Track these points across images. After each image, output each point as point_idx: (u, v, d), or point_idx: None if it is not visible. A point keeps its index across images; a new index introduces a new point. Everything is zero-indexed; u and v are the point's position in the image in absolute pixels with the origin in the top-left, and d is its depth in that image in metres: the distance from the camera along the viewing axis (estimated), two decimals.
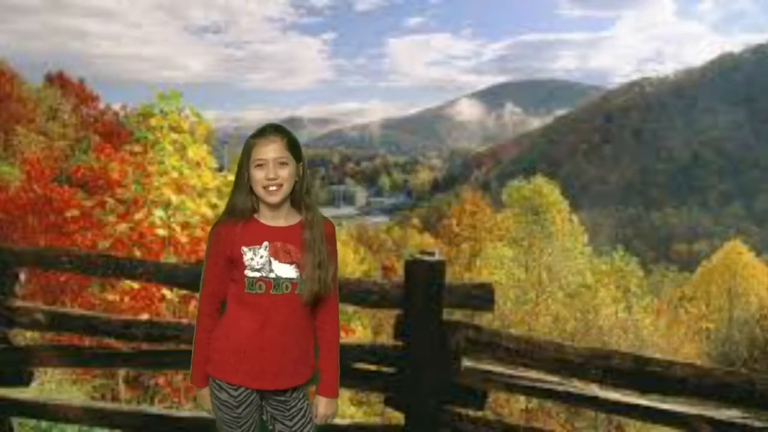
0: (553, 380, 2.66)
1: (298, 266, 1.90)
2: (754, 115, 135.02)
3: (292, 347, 1.94)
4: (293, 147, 1.90)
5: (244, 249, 1.88)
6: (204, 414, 3.37)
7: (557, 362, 2.58)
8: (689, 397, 2.45)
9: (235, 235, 1.89)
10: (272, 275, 1.89)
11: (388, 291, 2.78)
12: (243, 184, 1.90)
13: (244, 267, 1.88)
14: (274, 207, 1.91)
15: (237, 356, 1.91)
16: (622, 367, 2.48)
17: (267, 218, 1.93)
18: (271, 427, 2.06)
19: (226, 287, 1.96)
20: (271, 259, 1.89)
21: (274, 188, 1.87)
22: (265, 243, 1.89)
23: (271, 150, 1.87)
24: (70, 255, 3.12)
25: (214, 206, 7.75)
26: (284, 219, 1.94)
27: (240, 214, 1.91)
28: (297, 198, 1.94)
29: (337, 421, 2.98)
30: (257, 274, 1.88)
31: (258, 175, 1.87)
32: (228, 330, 1.93)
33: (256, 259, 1.88)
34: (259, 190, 1.88)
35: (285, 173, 1.87)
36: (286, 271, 1.90)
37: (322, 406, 2.04)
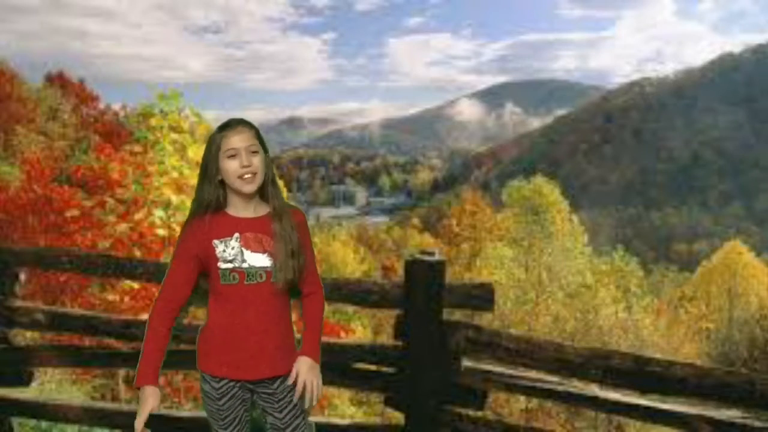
0: (553, 380, 2.66)
1: (271, 255, 1.92)
2: (754, 115, 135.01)
3: (270, 335, 1.95)
4: (260, 137, 1.94)
5: (216, 242, 1.90)
6: (204, 414, 3.37)
7: (557, 362, 2.58)
8: (689, 397, 2.44)
9: (205, 230, 1.90)
10: (245, 265, 1.90)
11: (388, 291, 2.78)
12: (211, 176, 1.90)
13: (217, 260, 1.90)
14: (246, 197, 1.92)
15: (218, 348, 1.94)
16: (622, 367, 2.48)
17: (236, 210, 1.94)
18: (264, 420, 2.08)
19: (184, 293, 1.96)
20: (243, 249, 1.90)
21: (249, 176, 1.88)
22: (236, 234, 1.91)
23: (241, 139, 1.89)
24: (70, 255, 3.12)
25: None
26: (253, 210, 1.96)
27: (207, 207, 1.91)
28: (264, 189, 1.96)
29: (337, 421, 2.98)
30: (230, 265, 1.90)
31: (231, 166, 1.87)
32: (209, 322, 1.97)
33: (227, 250, 1.90)
34: (233, 181, 1.89)
35: (257, 161, 1.89)
36: (259, 260, 1.91)
37: (303, 368, 1.95)
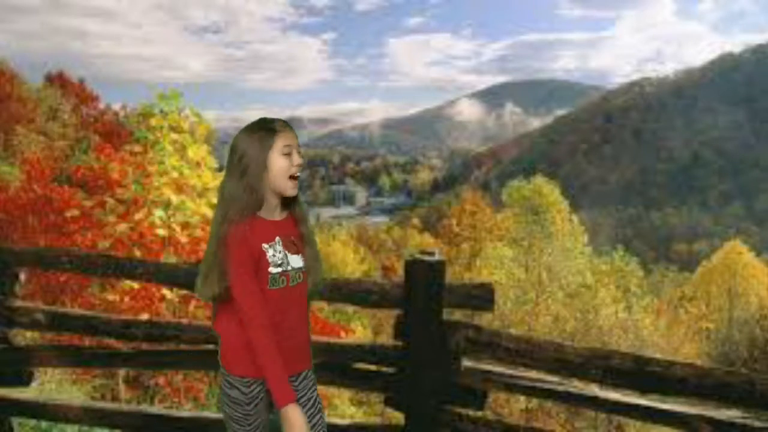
0: (553, 380, 2.66)
1: (303, 256, 1.95)
2: (754, 115, 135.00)
3: (304, 332, 2.01)
4: None
5: (265, 246, 1.87)
6: (204, 414, 3.37)
7: (557, 362, 2.58)
8: (689, 397, 2.44)
9: (254, 235, 1.85)
10: (289, 267, 1.91)
11: (388, 291, 2.78)
12: (258, 175, 1.81)
13: (269, 264, 1.86)
14: (278, 200, 1.91)
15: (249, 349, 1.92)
16: (622, 367, 2.48)
17: (270, 213, 1.91)
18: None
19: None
20: (285, 252, 1.91)
21: (298, 176, 1.88)
22: (277, 237, 1.90)
23: (294, 137, 1.87)
24: (70, 255, 3.12)
25: (214, 206, 7.74)
26: (279, 213, 1.94)
27: (252, 211, 1.85)
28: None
29: (337, 421, 2.98)
30: (279, 269, 1.89)
31: (284, 163, 1.83)
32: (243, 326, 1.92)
33: (276, 254, 1.89)
34: (282, 181, 1.85)
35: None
36: (297, 261, 1.94)
37: None
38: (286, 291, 1.91)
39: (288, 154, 1.84)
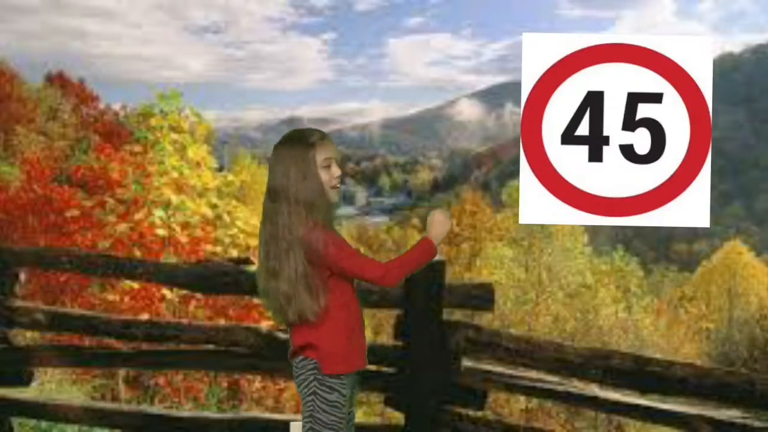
0: (553, 380, 2.66)
1: None
2: (754, 115, 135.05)
3: (363, 322, 2.08)
4: None
5: None
6: (204, 414, 3.37)
7: (557, 362, 2.58)
8: (689, 397, 2.45)
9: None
10: None
11: (388, 291, 2.78)
12: (315, 189, 1.88)
13: None
14: None
15: (347, 345, 1.97)
16: (622, 367, 2.48)
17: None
18: None
19: None
20: None
21: (338, 187, 1.95)
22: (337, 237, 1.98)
23: (334, 149, 1.93)
24: (70, 255, 3.12)
25: (214, 206, 7.76)
26: None
27: (321, 220, 1.90)
28: None
29: None
30: None
31: (326, 175, 1.90)
32: (333, 323, 1.94)
33: None
34: (328, 191, 1.91)
35: None
36: None
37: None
38: (351, 284, 2.00)
39: (328, 166, 1.91)
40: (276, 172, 1.89)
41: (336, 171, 1.93)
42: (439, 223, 1.97)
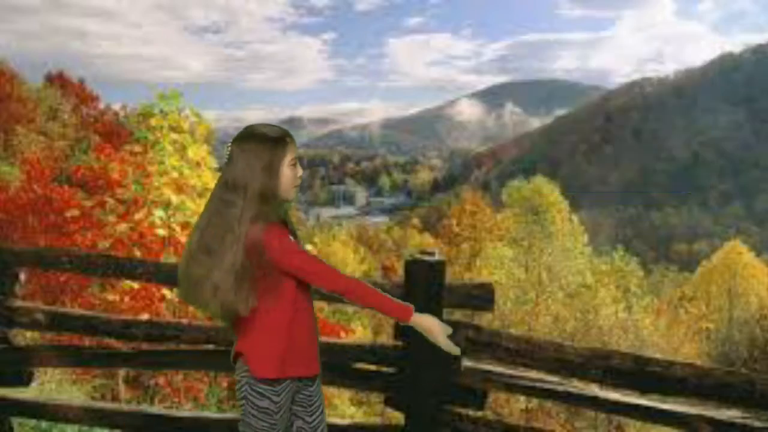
0: (553, 380, 2.66)
1: None
2: (754, 115, 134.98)
3: (315, 332, 2.06)
4: None
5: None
6: (204, 414, 3.37)
7: (557, 362, 2.58)
8: (689, 397, 2.44)
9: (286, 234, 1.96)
10: None
11: (388, 291, 2.77)
12: (274, 184, 1.90)
13: None
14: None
15: (285, 350, 1.95)
16: (622, 367, 2.48)
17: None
18: (289, 426, 2.08)
19: None
20: None
21: (298, 186, 1.99)
22: (290, 237, 1.98)
23: (296, 150, 1.97)
24: (70, 255, 3.12)
25: None
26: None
27: (274, 215, 1.91)
28: None
29: (337, 421, 2.98)
30: None
31: (292, 174, 1.94)
32: (274, 327, 1.94)
33: None
34: (288, 189, 1.95)
35: None
36: None
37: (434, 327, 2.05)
38: (302, 288, 1.98)
39: (294, 165, 1.95)
40: (238, 165, 1.88)
41: (299, 170, 1.97)
42: (429, 325, 2.03)
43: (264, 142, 1.90)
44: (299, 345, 1.97)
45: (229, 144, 1.94)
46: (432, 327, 1.98)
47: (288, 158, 1.92)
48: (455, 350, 2.01)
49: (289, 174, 1.92)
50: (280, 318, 1.93)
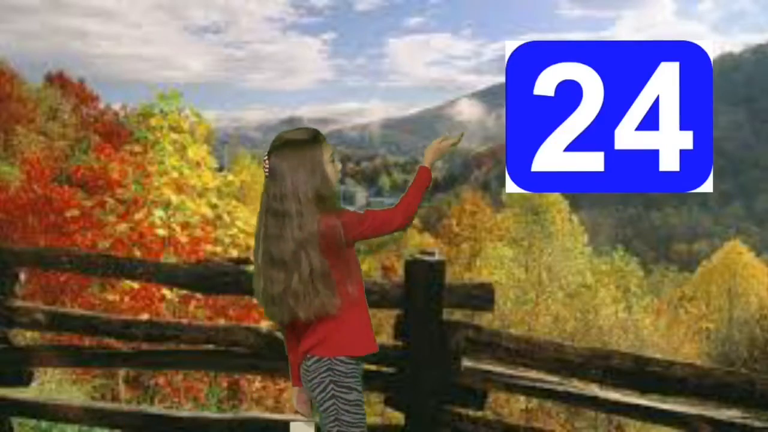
0: (553, 380, 2.66)
1: None
2: (754, 115, 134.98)
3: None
4: None
5: None
6: (204, 414, 3.37)
7: (557, 362, 2.58)
8: (689, 397, 2.45)
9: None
10: None
11: (388, 291, 2.78)
12: (326, 183, 1.95)
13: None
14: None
15: (365, 327, 2.01)
16: (622, 367, 2.48)
17: None
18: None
19: None
20: None
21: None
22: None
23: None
24: (70, 255, 3.12)
25: (214, 206, 7.76)
26: None
27: (332, 209, 1.95)
28: None
29: None
30: None
31: (333, 168, 1.99)
32: (354, 306, 1.97)
33: None
34: (335, 184, 2.01)
35: None
36: None
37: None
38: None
39: (332, 161, 1.99)
40: (283, 176, 1.89)
41: (338, 165, 2.03)
42: (431, 150, 2.13)
43: (301, 146, 1.93)
44: (368, 324, 2.04)
45: (265, 158, 1.93)
46: (436, 151, 2.10)
47: (326, 155, 1.96)
48: (455, 138, 2.17)
49: (331, 170, 1.97)
50: (360, 290, 1.99)
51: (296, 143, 1.93)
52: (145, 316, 5.25)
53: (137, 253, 6.78)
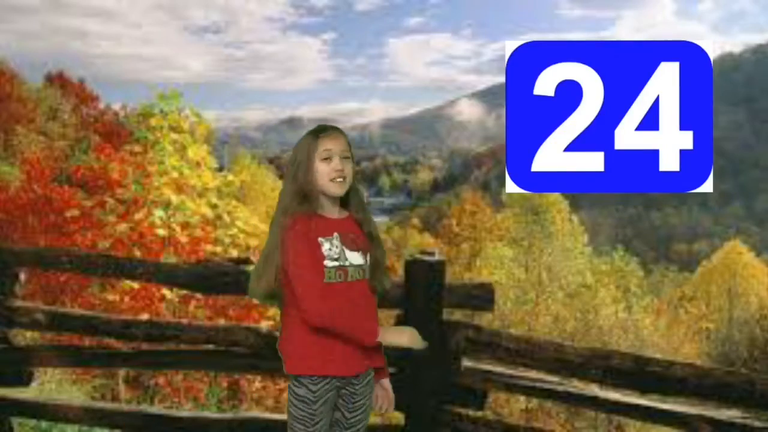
0: (553, 380, 2.66)
1: (364, 252, 1.98)
2: (754, 115, 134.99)
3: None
4: (350, 146, 2.00)
5: (321, 240, 1.91)
6: (204, 414, 3.37)
7: (557, 362, 2.58)
8: (689, 397, 2.45)
9: (311, 229, 1.90)
10: (347, 263, 1.94)
11: (388, 291, 2.77)
12: (299, 177, 1.92)
13: (324, 257, 1.90)
14: (333, 200, 1.97)
15: (322, 347, 1.91)
16: (622, 367, 2.48)
17: (326, 211, 1.98)
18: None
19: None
20: (343, 248, 1.94)
21: (340, 180, 1.93)
22: (335, 233, 1.94)
23: (338, 143, 1.95)
24: (70, 255, 3.12)
25: (214, 206, 7.76)
26: (338, 212, 2.01)
27: (308, 209, 1.92)
28: (347, 194, 2.01)
29: None
30: (336, 263, 1.91)
31: (325, 168, 1.92)
32: (303, 324, 1.91)
33: (332, 249, 1.92)
34: (324, 183, 1.93)
35: (349, 167, 1.95)
36: (356, 258, 1.96)
37: (388, 388, 2.13)
38: (344, 286, 1.93)
39: (327, 159, 1.92)
40: (290, 158, 1.97)
41: (336, 164, 1.92)
42: (396, 337, 1.94)
43: (306, 136, 1.96)
44: (333, 343, 2.00)
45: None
46: (403, 336, 1.94)
47: (320, 151, 1.92)
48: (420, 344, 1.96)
49: (321, 168, 1.91)
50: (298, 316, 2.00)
51: (307, 133, 1.97)
52: (145, 316, 5.25)
53: (137, 253, 6.78)
